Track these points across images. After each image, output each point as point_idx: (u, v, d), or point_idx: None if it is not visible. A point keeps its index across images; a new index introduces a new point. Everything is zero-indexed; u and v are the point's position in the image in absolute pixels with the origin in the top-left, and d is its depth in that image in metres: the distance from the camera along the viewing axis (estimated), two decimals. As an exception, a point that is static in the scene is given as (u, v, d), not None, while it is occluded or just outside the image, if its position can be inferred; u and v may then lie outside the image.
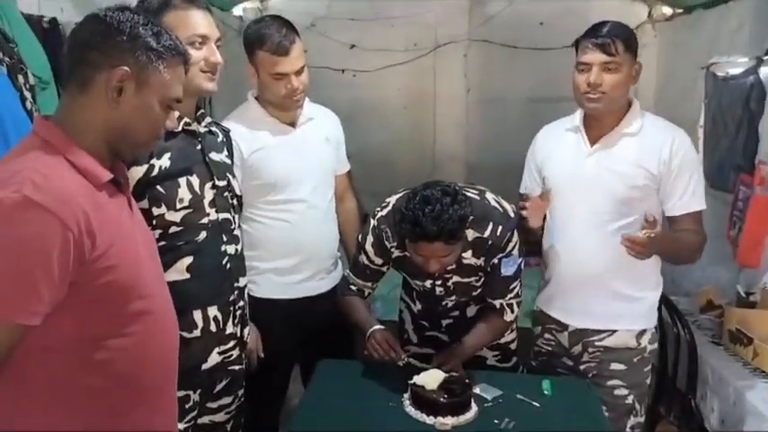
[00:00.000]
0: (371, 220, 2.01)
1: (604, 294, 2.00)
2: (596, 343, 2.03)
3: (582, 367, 2.08)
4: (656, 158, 1.91)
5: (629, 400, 2.03)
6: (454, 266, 1.95)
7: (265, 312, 2.00)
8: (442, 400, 1.71)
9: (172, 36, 1.23)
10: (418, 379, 1.78)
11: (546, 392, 1.87)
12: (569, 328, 2.07)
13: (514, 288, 2.01)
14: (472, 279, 2.01)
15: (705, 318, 2.62)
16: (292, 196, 2.11)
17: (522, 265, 2.01)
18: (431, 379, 1.77)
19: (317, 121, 2.18)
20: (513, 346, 2.20)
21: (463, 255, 1.92)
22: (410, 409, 1.74)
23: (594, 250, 1.95)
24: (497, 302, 2.01)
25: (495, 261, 1.94)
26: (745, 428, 1.98)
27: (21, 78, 1.90)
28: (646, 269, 1.97)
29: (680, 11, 3.59)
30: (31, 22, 2.08)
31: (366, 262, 2.02)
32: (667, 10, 3.72)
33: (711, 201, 2.05)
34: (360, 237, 2.05)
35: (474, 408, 1.75)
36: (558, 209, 2.02)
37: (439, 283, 2.01)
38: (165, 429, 1.33)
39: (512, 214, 1.95)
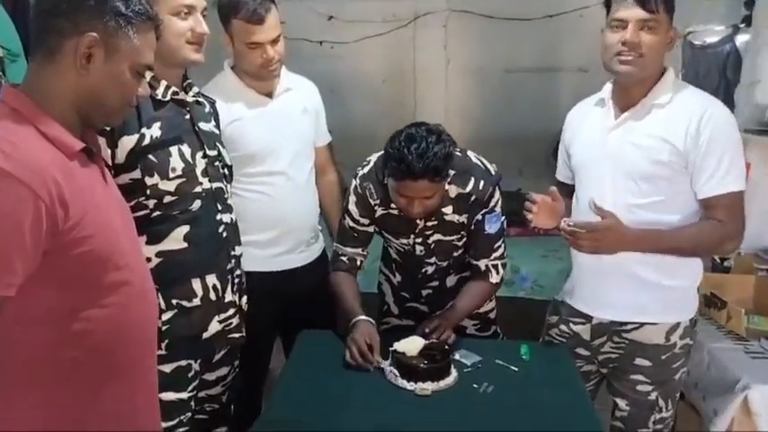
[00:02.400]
0: (354, 180, 2.00)
1: (631, 283, 1.82)
2: (622, 334, 1.88)
3: (600, 358, 1.95)
4: (683, 132, 1.70)
5: (653, 396, 1.88)
6: (435, 222, 1.95)
7: (246, 285, 1.99)
8: (422, 366, 1.73)
9: (141, 0, 1.21)
10: (399, 345, 1.79)
11: (524, 357, 1.89)
12: (593, 321, 1.92)
13: (498, 248, 2.00)
14: (454, 237, 2.01)
15: (681, 284, 2.66)
16: (271, 168, 2.10)
17: (505, 224, 2.01)
18: (411, 345, 1.79)
19: (294, 92, 2.16)
20: (492, 315, 2.22)
21: (444, 210, 1.93)
22: (391, 376, 1.76)
23: None
24: (482, 263, 2.00)
25: (479, 217, 1.94)
26: (717, 389, 2.03)
27: (-11, 51, 1.87)
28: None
29: (658, -20, 3.59)
30: (-1, -7, 2.04)
31: (352, 224, 2.01)
32: (646, -21, 3.72)
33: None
34: (344, 202, 2.04)
35: (454, 373, 1.77)
36: (582, 190, 1.90)
37: (419, 241, 2.01)
38: (145, 401, 1.33)
39: (493, 172, 1.95)
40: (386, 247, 2.21)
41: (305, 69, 2.34)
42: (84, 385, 1.19)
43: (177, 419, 1.67)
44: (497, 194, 1.94)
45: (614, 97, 1.84)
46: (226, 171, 1.79)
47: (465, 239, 2.03)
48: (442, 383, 1.73)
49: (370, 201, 1.97)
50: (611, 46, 1.72)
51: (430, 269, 2.09)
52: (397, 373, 1.75)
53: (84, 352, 1.17)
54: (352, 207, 1.99)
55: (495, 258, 2.01)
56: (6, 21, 2.04)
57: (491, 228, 1.95)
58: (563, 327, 2.00)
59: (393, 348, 1.80)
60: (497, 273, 2.02)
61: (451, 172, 1.83)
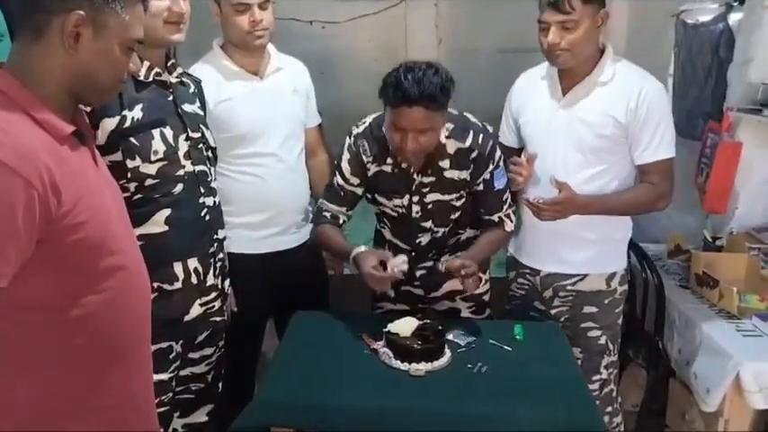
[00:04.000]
0: (348, 139, 2.00)
1: (574, 243, 2.07)
2: (568, 287, 2.11)
3: (553, 312, 2.16)
4: (624, 107, 1.93)
5: (603, 340, 2.13)
6: (433, 179, 1.96)
7: (237, 267, 1.98)
8: (415, 346, 1.74)
9: None
10: (392, 326, 1.80)
11: (517, 337, 1.90)
12: (541, 273, 2.15)
13: (507, 198, 2.06)
14: (453, 196, 2.01)
15: (673, 262, 2.67)
16: (261, 150, 2.08)
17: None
18: (405, 326, 1.79)
19: (285, 72, 2.14)
20: (486, 298, 2.23)
21: (442, 165, 1.94)
22: (385, 357, 1.76)
23: None
24: (496, 216, 2.06)
25: (487, 176, 1.98)
26: (709, 367, 2.04)
27: (-28, 31, 1.83)
28: (615, 218, 2.07)
29: (651, -43, 3.56)
30: (-18, -29, 1.99)
31: (341, 182, 2.00)
32: (639, -43, 3.68)
33: (679, 149, 2.05)
34: (336, 160, 2.04)
35: (447, 353, 1.78)
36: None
37: (416, 200, 2.00)
38: (142, 383, 1.33)
39: (491, 129, 2.00)
40: (378, 230, 2.20)
41: (295, 49, 2.31)
42: (86, 369, 1.18)
43: (158, 399, 1.66)
44: (498, 149, 1.99)
45: (560, 73, 2.01)
46: (210, 153, 1.77)
47: (463, 200, 2.03)
48: (436, 364, 1.74)
49: (363, 157, 1.97)
50: (542, 44, 1.91)
51: (425, 240, 2.08)
52: (391, 354, 1.76)
53: (86, 338, 1.16)
54: (345, 164, 1.99)
55: (507, 208, 2.06)
56: (-11, 0, 1.99)
57: (499, 183, 2.01)
58: (521, 279, 2.23)
59: (387, 329, 1.80)
60: (511, 221, 2.08)
61: (450, 126, 1.89)
